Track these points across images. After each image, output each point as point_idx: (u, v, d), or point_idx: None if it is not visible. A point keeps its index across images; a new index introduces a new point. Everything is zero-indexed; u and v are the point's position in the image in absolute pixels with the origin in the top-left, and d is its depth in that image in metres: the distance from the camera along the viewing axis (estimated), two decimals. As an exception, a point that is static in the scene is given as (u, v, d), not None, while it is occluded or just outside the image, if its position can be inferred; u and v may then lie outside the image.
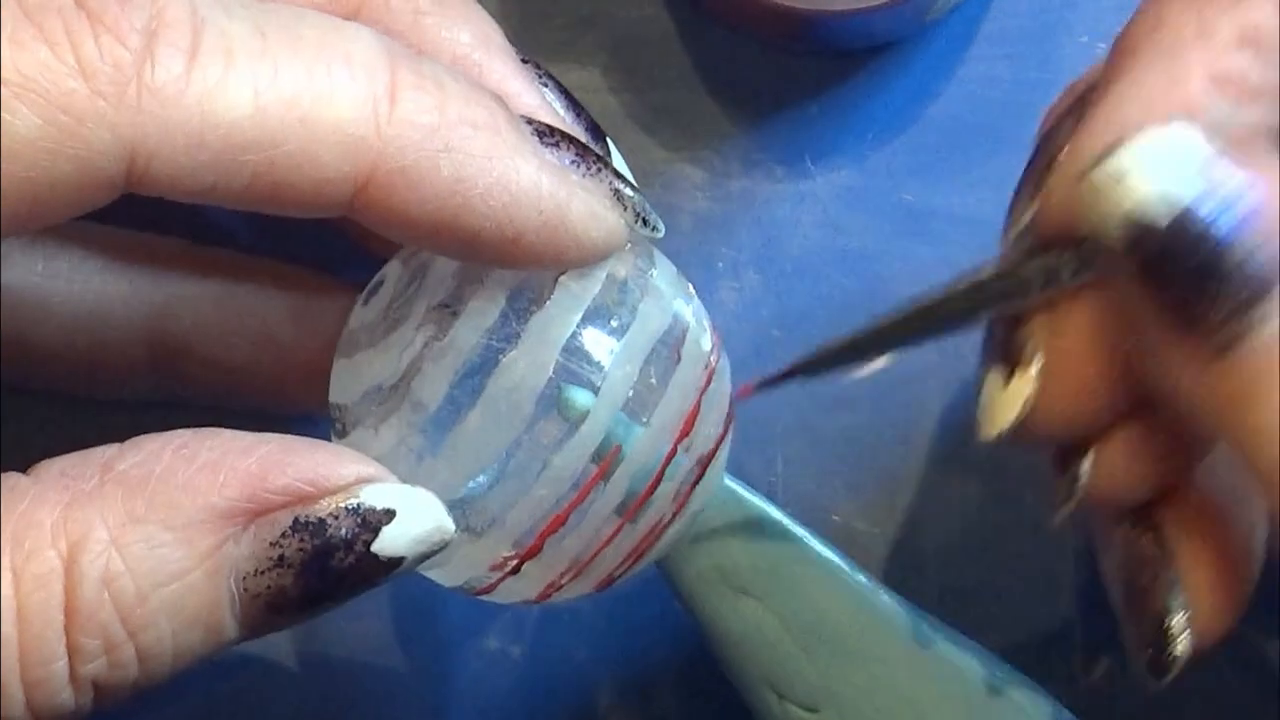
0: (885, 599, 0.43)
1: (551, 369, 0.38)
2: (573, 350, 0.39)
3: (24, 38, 0.34)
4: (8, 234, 0.35)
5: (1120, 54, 0.36)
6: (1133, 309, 0.35)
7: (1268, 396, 0.34)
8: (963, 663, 0.43)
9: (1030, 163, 0.38)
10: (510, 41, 0.42)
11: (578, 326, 0.39)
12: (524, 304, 0.39)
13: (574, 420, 0.39)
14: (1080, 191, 0.35)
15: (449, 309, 0.39)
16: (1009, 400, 0.38)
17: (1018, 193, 0.39)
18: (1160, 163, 0.34)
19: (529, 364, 0.38)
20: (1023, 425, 0.38)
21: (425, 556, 0.37)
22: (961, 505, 0.50)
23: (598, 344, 0.39)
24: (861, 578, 0.44)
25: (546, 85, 0.42)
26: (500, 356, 0.38)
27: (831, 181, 0.51)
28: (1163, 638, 0.38)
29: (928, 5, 0.48)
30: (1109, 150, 0.34)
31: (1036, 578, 0.49)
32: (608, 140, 0.42)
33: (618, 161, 0.42)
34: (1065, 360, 0.37)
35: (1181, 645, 0.38)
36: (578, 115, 0.42)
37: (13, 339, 0.44)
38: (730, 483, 0.43)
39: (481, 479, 0.39)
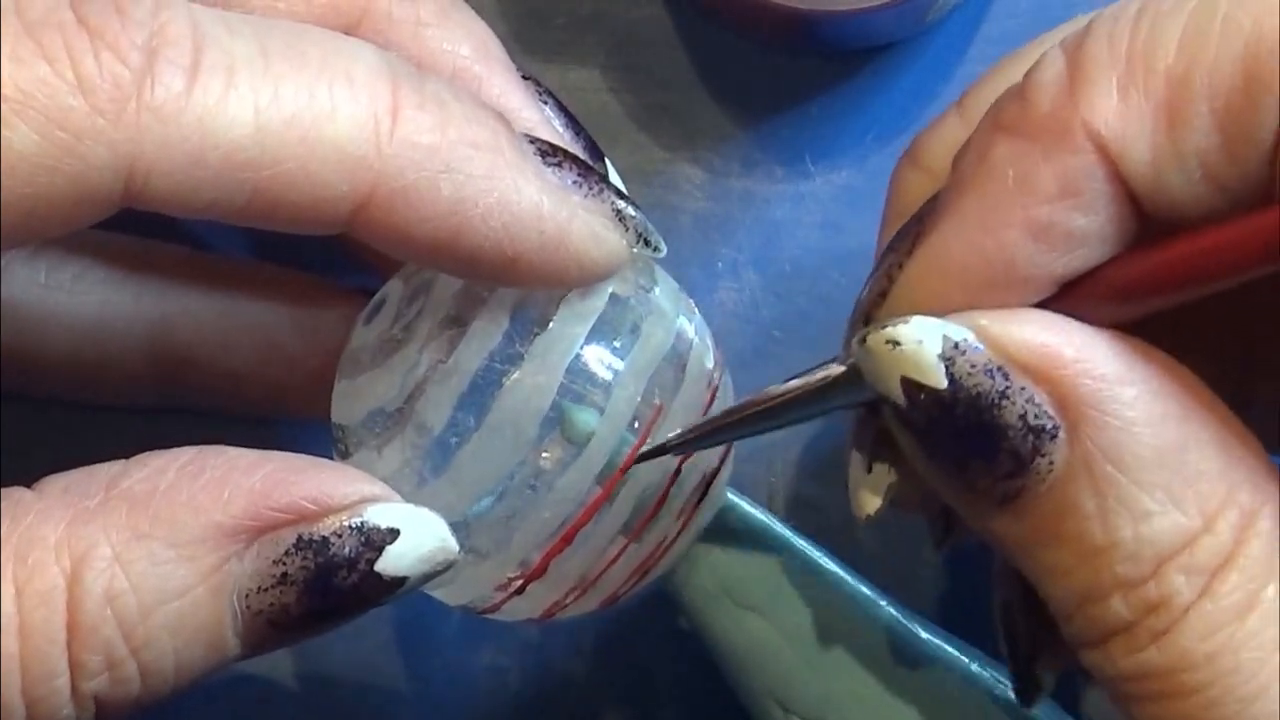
0: (888, 609, 0.43)
1: (555, 391, 0.38)
2: (576, 372, 0.39)
3: (24, 54, 0.34)
4: (5, 248, 0.34)
5: (952, 183, 0.36)
6: (912, 459, 0.36)
7: (1052, 540, 0.35)
8: (968, 674, 0.43)
9: (869, 288, 0.39)
10: (511, 41, 0.42)
11: (581, 347, 0.39)
12: (527, 325, 0.39)
13: (578, 442, 0.39)
14: (861, 351, 0.36)
15: (452, 330, 0.39)
16: (872, 488, 0.39)
17: (854, 315, 0.39)
18: (928, 339, 0.35)
19: (533, 386, 0.38)
20: (893, 505, 0.39)
21: (429, 576, 0.37)
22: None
23: (601, 365, 0.39)
24: (864, 588, 0.44)
25: (546, 102, 0.42)
26: (504, 379, 0.38)
27: (831, 181, 0.51)
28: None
29: (928, 5, 0.48)
30: (889, 319, 0.36)
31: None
32: (606, 161, 0.42)
33: (614, 179, 0.42)
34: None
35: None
36: (576, 133, 0.42)
37: (16, 348, 0.44)
38: (733, 496, 0.43)
39: (486, 501, 0.39)
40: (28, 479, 0.36)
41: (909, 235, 0.37)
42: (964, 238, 0.35)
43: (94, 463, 0.36)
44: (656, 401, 0.40)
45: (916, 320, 0.35)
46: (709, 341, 0.42)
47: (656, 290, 0.41)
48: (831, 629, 0.43)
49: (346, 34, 0.40)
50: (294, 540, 0.36)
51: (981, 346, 0.35)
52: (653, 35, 0.51)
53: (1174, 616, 0.34)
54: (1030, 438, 0.34)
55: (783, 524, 0.44)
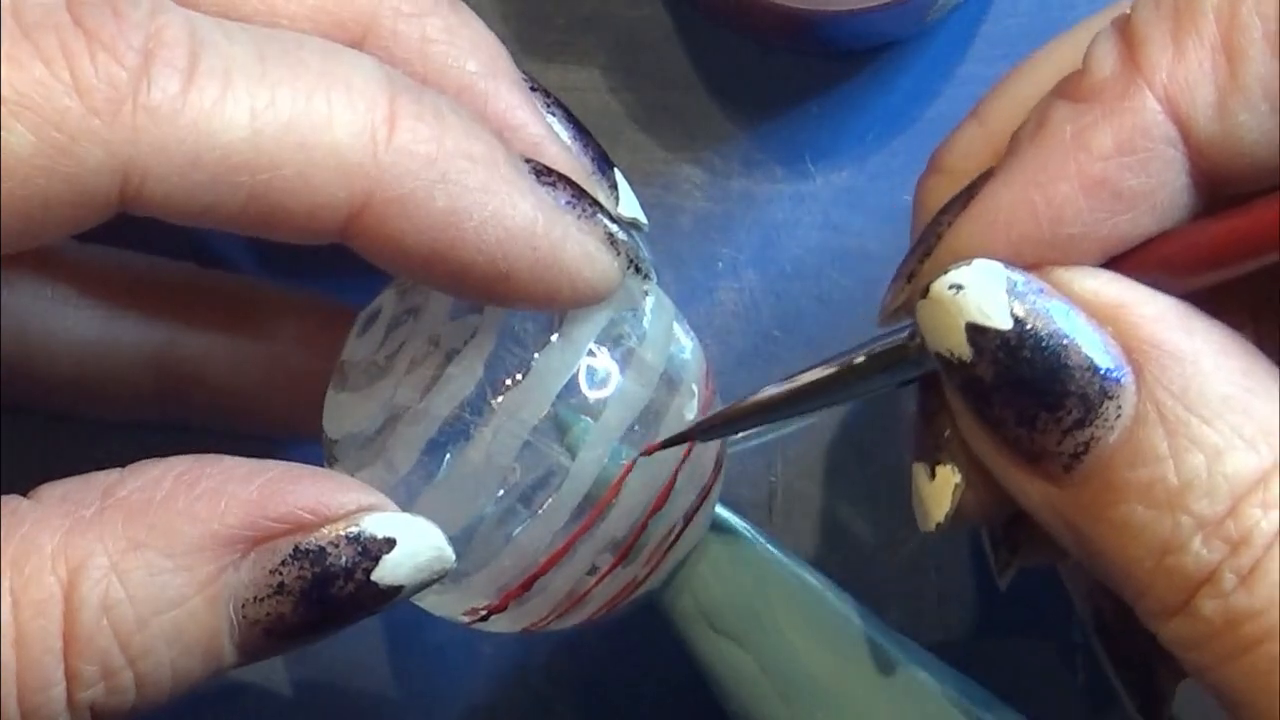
0: (870, 635, 0.43)
1: (519, 448, 0.38)
2: (544, 430, 0.38)
3: (20, 55, 0.34)
4: (3, 251, 0.34)
5: (1009, 149, 0.37)
6: (973, 439, 0.37)
7: (1123, 495, 0.35)
8: (950, 711, 0.43)
9: (913, 247, 0.39)
10: (511, 41, 0.42)
11: (552, 406, 0.38)
12: (500, 378, 0.38)
13: (539, 501, 0.39)
14: (923, 304, 0.36)
15: (429, 370, 0.39)
16: (938, 494, 0.38)
17: (896, 275, 0.39)
18: (993, 279, 0.35)
19: (498, 442, 0.38)
20: (958, 514, 0.38)
21: (425, 584, 0.37)
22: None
23: (571, 425, 0.39)
24: (848, 610, 0.43)
25: (555, 114, 0.41)
26: (471, 430, 0.38)
27: (831, 181, 0.51)
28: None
29: (928, 5, 0.48)
30: (948, 265, 0.36)
31: (1037, 578, 0.49)
32: (615, 170, 0.42)
33: (624, 189, 0.42)
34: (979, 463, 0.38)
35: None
36: (585, 144, 0.41)
37: (22, 362, 0.44)
38: (721, 514, 0.43)
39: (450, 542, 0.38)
40: (23, 486, 0.36)
41: (960, 199, 0.37)
42: (1015, 192, 0.36)
43: (89, 470, 0.36)
44: (625, 461, 0.39)
45: (979, 262, 0.35)
46: (695, 386, 0.41)
47: (645, 334, 0.40)
48: (807, 663, 0.42)
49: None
50: (291, 550, 0.36)
51: (1045, 286, 0.35)
52: (653, 35, 0.51)
53: (1257, 554, 0.34)
54: (1098, 381, 0.34)
55: (770, 540, 0.44)
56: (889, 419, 0.50)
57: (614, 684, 0.49)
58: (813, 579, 0.43)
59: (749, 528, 0.44)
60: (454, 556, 0.37)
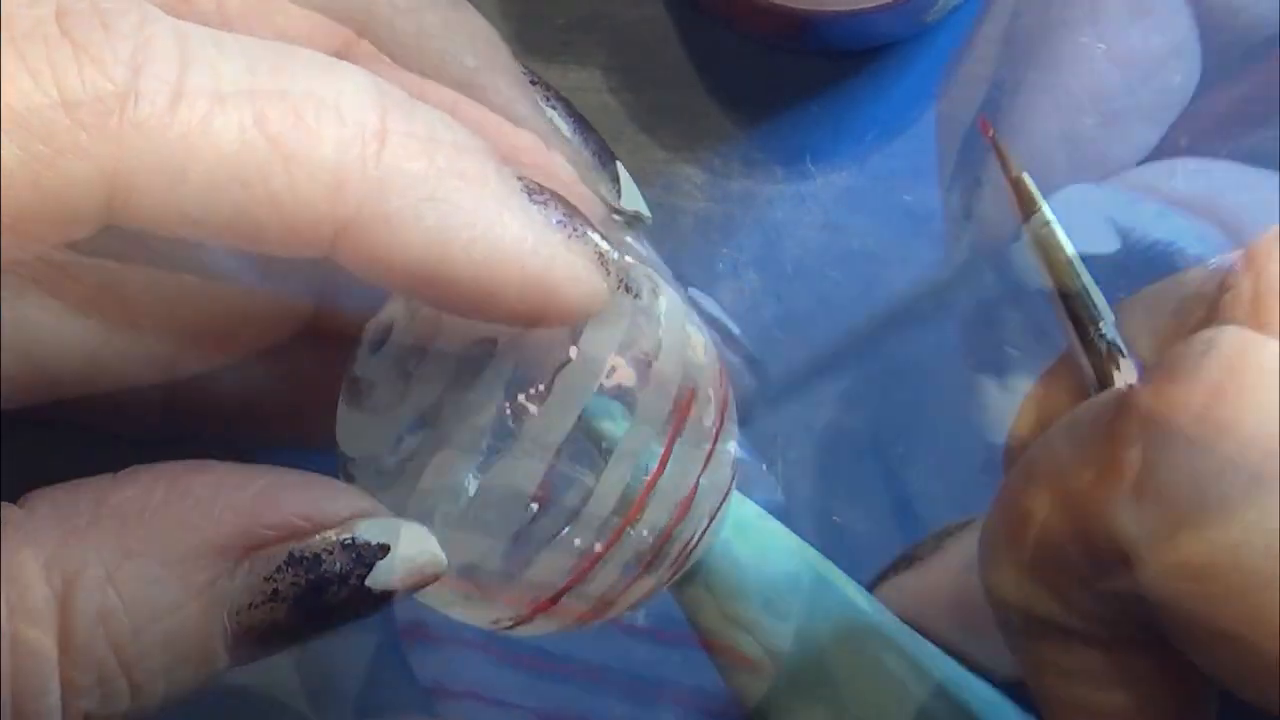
0: (878, 623, 0.43)
1: (543, 474, 0.38)
2: (566, 455, 0.38)
3: (7, 66, 0.34)
4: None
5: None
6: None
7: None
8: (956, 704, 0.43)
9: None
10: (511, 41, 0.42)
11: (573, 430, 0.38)
12: (521, 403, 0.38)
13: (560, 525, 0.38)
14: None
15: (448, 394, 0.38)
16: None
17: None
18: None
19: (521, 468, 0.38)
20: None
21: (418, 588, 0.37)
22: (962, 506, 0.50)
23: (592, 448, 0.38)
24: (857, 596, 0.43)
25: (555, 108, 0.41)
26: (493, 457, 0.38)
27: (831, 182, 0.51)
28: None
29: (928, 5, 0.48)
30: None
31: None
32: (617, 163, 0.42)
33: (626, 182, 0.42)
34: None
35: None
36: (586, 137, 0.41)
37: (26, 374, 0.44)
38: (740, 505, 0.43)
39: (473, 565, 0.38)
40: (11, 491, 0.36)
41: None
42: None
43: (78, 475, 0.36)
44: (647, 478, 0.39)
45: None
46: (711, 390, 0.41)
47: (661, 344, 0.40)
48: (822, 663, 0.42)
49: (347, 46, 0.39)
50: (285, 557, 0.36)
51: None
52: (653, 35, 0.51)
53: None
54: None
55: (781, 526, 0.44)
56: (889, 419, 0.50)
57: (621, 683, 0.49)
58: (821, 565, 0.44)
59: (758, 512, 0.44)
60: (446, 561, 0.37)
